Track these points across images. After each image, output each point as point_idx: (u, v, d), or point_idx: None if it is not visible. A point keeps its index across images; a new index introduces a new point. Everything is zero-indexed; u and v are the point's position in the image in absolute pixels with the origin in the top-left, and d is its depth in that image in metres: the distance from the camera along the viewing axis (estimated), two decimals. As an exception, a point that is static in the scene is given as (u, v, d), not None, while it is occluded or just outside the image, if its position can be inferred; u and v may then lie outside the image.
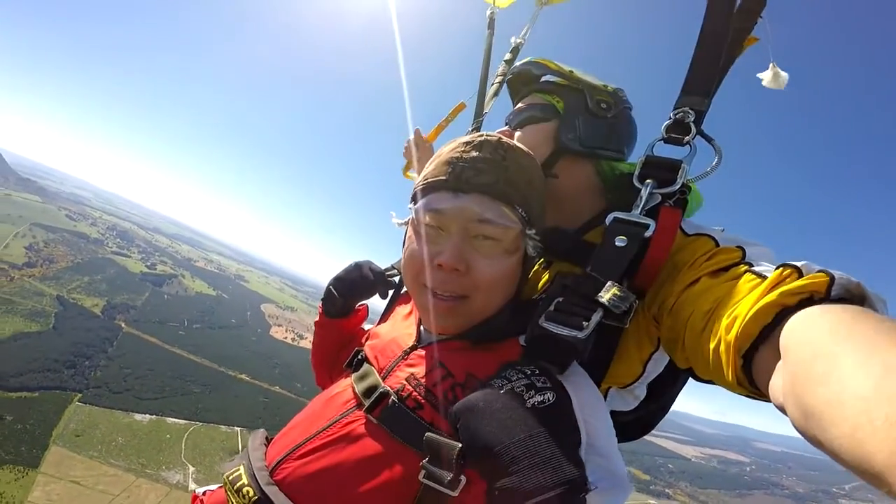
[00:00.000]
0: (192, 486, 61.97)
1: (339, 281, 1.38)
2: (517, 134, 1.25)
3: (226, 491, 0.94)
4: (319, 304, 1.44)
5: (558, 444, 0.62)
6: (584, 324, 0.80)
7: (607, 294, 0.82)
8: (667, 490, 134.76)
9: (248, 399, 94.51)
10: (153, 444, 70.44)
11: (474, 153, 0.97)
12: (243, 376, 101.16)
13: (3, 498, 50.10)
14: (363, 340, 1.22)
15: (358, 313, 1.47)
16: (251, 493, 0.88)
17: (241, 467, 0.94)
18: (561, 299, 0.86)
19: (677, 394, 1.28)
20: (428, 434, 0.75)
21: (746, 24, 1.07)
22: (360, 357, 1.08)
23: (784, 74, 1.32)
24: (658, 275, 0.92)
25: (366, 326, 1.49)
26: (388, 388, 0.93)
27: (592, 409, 0.80)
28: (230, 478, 0.93)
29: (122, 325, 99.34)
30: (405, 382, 0.93)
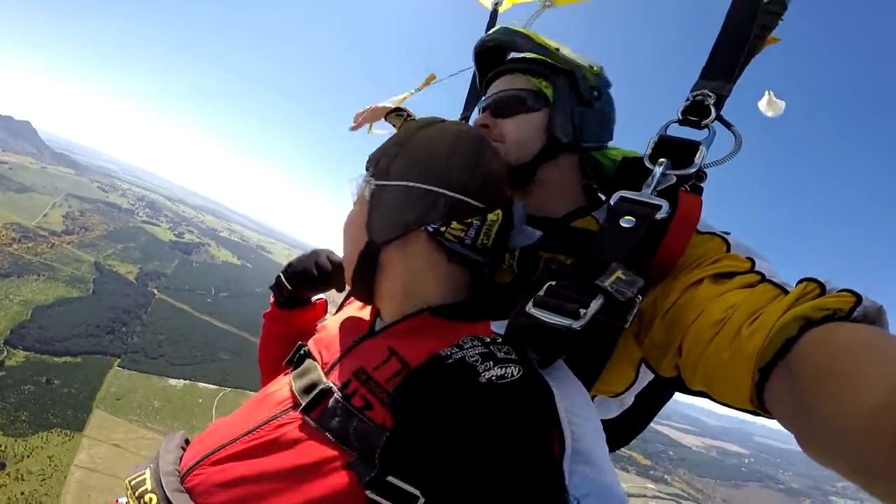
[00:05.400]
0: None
1: (290, 268, 1.24)
2: (505, 124, 1.09)
3: (127, 499, 0.82)
4: (271, 294, 1.30)
5: (520, 442, 0.50)
6: (582, 311, 0.68)
7: (610, 278, 0.72)
8: (665, 476, 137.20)
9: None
10: (186, 408, 73.99)
11: None
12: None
13: (51, 461, 53.65)
14: None
15: (315, 306, 1.32)
16: (154, 501, 0.78)
17: (147, 471, 0.84)
18: (553, 283, 0.76)
19: (661, 407, 1.20)
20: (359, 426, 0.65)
21: (768, 22, 1.04)
22: (302, 352, 0.97)
23: (780, 102, 1.28)
24: (674, 268, 0.83)
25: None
26: (331, 385, 0.81)
27: (579, 408, 0.68)
28: (132, 483, 0.82)
29: (155, 291, 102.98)
30: (352, 377, 0.81)
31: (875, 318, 0.59)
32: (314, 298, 1.32)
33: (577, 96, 1.07)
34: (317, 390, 0.81)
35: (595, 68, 1.12)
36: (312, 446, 0.75)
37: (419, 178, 0.90)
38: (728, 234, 0.90)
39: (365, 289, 0.95)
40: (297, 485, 0.73)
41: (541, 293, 0.75)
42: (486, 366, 0.53)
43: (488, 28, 1.64)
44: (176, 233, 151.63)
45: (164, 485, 0.79)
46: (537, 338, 0.70)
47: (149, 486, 0.81)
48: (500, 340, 0.59)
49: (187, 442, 0.94)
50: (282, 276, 1.24)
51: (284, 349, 1.25)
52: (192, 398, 77.42)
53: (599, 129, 1.10)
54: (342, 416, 0.76)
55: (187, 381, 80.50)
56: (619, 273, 0.72)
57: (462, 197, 0.89)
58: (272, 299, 1.29)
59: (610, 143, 1.15)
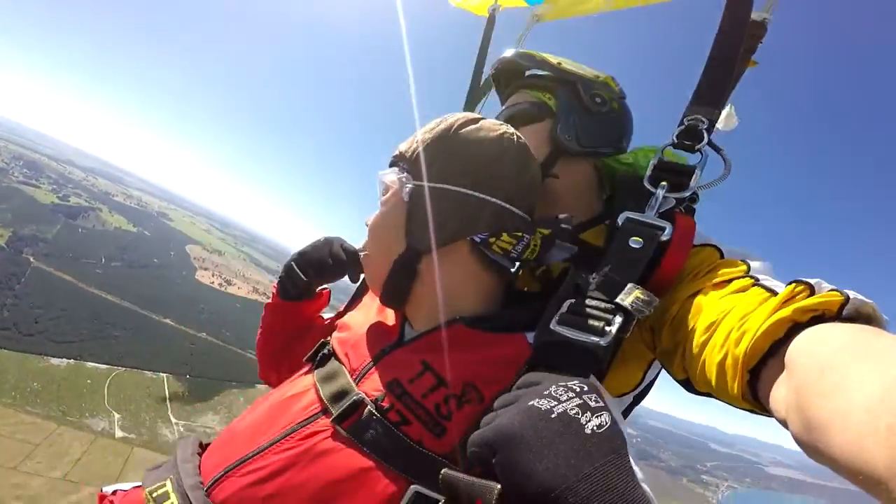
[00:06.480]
0: (118, 433, 61.14)
1: (303, 257, 1.21)
2: None
3: None
4: (273, 283, 1.26)
5: (630, 475, 0.51)
6: (608, 329, 0.71)
7: (629, 297, 0.74)
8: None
9: (174, 344, 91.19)
10: (73, 390, 67.13)
11: None
12: (167, 320, 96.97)
13: (-88, 450, 46.73)
14: (325, 329, 1.10)
15: (320, 297, 1.30)
16: None
17: (169, 482, 0.80)
18: (574, 301, 0.77)
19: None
20: (445, 472, 0.60)
21: (749, 44, 1.09)
22: (326, 351, 0.93)
23: (734, 119, 1.35)
24: (671, 284, 0.86)
25: (325, 315, 1.35)
26: (364, 396, 0.79)
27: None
28: (154, 494, 0.78)
29: (31, 259, 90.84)
30: (386, 391, 0.78)
31: (869, 315, 0.60)
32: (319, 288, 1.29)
33: (580, 104, 1.12)
34: (350, 400, 0.78)
35: (601, 77, 1.17)
36: (348, 458, 0.74)
37: (465, 182, 0.87)
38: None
39: (398, 297, 0.93)
40: (335, 499, 0.72)
41: (564, 310, 0.77)
42: (587, 416, 0.54)
43: (486, 30, 1.82)
44: (60, 195, 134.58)
45: (190, 499, 0.77)
46: (565, 354, 0.72)
47: (173, 499, 0.78)
48: (587, 388, 0.58)
49: (202, 446, 0.90)
50: (294, 266, 1.20)
51: (287, 341, 1.28)
52: (80, 379, 70.27)
53: (604, 133, 1.14)
54: (378, 430, 0.75)
55: (72, 361, 72.67)
56: (637, 292, 0.75)
57: (508, 206, 0.88)
58: (274, 290, 1.25)
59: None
